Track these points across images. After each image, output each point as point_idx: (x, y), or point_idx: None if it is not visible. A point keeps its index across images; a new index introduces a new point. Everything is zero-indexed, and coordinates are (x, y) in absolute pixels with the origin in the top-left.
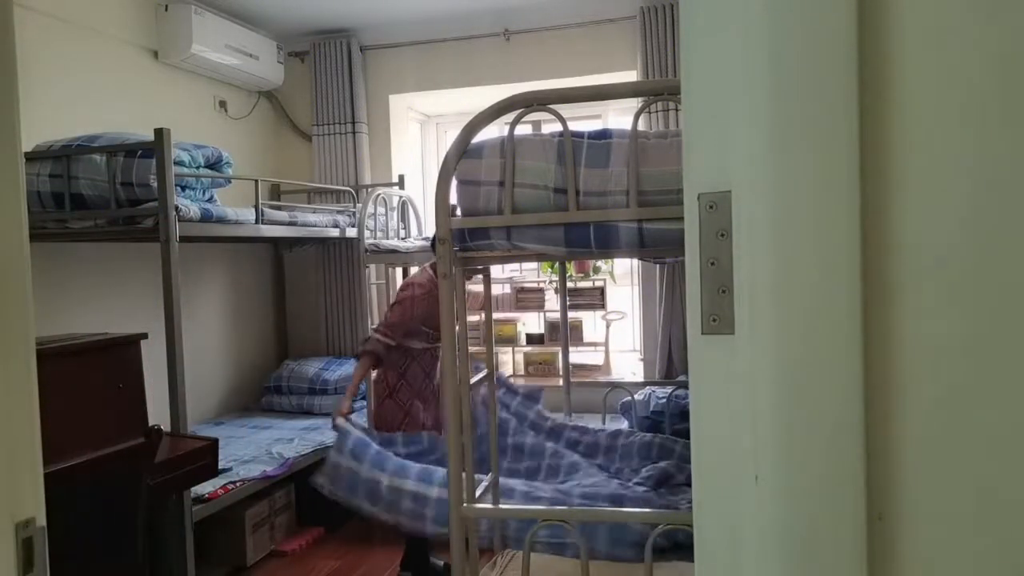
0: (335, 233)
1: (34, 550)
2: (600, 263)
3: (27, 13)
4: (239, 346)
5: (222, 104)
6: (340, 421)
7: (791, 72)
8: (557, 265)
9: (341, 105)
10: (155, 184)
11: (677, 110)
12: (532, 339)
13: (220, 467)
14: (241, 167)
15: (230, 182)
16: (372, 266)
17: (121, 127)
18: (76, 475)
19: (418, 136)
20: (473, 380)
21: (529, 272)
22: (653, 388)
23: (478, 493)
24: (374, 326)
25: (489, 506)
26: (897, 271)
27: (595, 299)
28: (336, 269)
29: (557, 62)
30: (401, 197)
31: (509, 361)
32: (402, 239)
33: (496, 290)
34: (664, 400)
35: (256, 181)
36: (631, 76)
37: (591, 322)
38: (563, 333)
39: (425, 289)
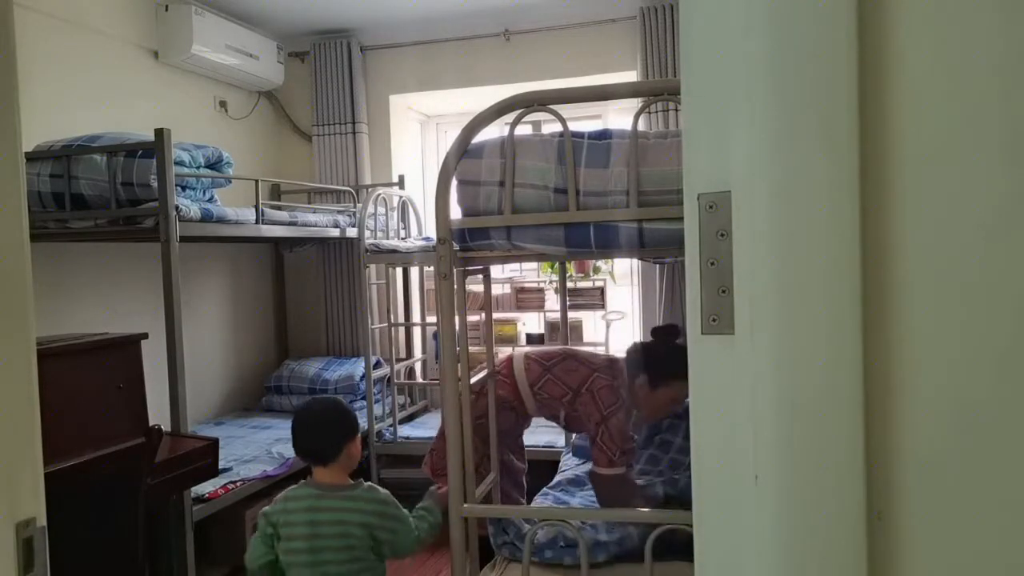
0: (335, 233)
1: (34, 550)
2: (600, 263)
3: (27, 13)
4: (239, 346)
5: (222, 104)
6: None
7: (791, 72)
8: (557, 265)
9: (341, 105)
10: (155, 184)
11: (677, 110)
12: (532, 339)
13: (220, 467)
14: (241, 167)
15: (230, 182)
16: (372, 266)
17: (121, 127)
18: (76, 475)
19: (418, 136)
20: (474, 379)
21: (529, 272)
22: None
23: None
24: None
25: (489, 506)
26: (897, 270)
27: (595, 299)
28: (336, 269)
29: (557, 62)
30: (401, 197)
31: None
32: (402, 239)
33: (496, 290)
34: None
35: (256, 181)
36: (631, 76)
37: (591, 322)
38: (563, 333)
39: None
